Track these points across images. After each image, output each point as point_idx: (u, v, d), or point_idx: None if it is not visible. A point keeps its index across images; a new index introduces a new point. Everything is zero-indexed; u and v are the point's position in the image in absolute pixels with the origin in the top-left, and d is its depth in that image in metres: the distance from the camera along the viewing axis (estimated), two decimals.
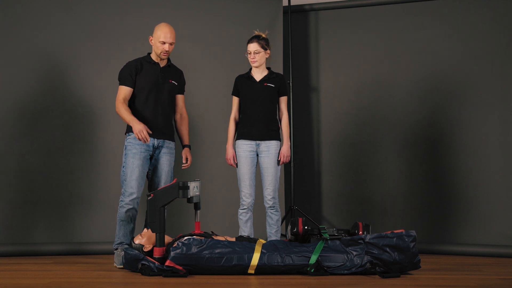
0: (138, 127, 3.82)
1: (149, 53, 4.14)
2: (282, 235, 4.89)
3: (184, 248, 3.52)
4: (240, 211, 4.12)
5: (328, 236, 3.62)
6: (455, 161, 4.52)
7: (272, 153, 4.11)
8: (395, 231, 3.58)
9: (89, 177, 4.82)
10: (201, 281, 3.35)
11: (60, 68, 4.92)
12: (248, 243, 3.62)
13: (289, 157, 4.16)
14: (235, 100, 4.23)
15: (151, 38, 4.07)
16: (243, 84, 4.22)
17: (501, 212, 4.75)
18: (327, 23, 5.37)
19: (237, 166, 4.15)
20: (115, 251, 3.92)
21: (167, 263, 3.50)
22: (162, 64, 4.11)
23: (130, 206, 3.91)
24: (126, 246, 3.85)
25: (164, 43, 4.01)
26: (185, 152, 4.21)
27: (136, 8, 5.06)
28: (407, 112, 5.09)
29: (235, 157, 4.16)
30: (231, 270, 3.52)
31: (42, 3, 4.92)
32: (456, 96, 4.96)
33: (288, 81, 5.14)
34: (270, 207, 4.11)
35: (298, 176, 5.19)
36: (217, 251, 3.52)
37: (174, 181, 3.68)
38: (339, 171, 5.26)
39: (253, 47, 4.21)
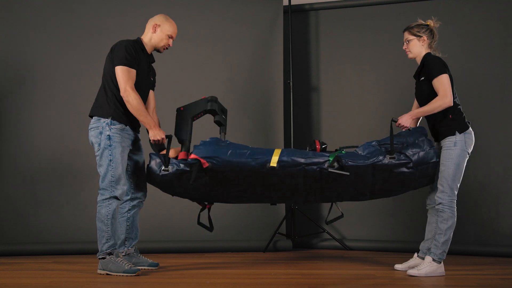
0: (161, 134, 3.65)
1: (139, 38, 3.80)
2: (282, 234, 4.89)
3: (207, 143, 3.67)
4: None
5: (344, 151, 3.66)
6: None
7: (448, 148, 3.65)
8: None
9: (89, 177, 4.82)
10: (201, 281, 3.35)
11: (60, 68, 4.92)
12: (267, 149, 3.71)
13: (402, 125, 3.64)
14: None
15: (156, 25, 3.77)
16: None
17: (501, 212, 4.74)
18: (327, 23, 5.37)
19: None
20: (107, 256, 3.55)
21: (191, 156, 3.60)
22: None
23: (122, 201, 3.66)
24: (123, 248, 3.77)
25: (171, 37, 3.80)
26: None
27: (136, 8, 5.06)
28: (407, 111, 5.07)
29: None
30: (253, 165, 3.57)
31: (42, 3, 4.92)
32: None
33: (288, 81, 5.15)
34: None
35: None
36: (237, 146, 3.67)
37: (203, 97, 3.83)
38: None
39: (405, 36, 3.78)
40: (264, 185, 3.67)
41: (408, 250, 4.52)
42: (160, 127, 3.80)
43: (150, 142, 3.70)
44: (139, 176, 3.79)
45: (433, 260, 3.51)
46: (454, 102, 3.65)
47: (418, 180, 3.65)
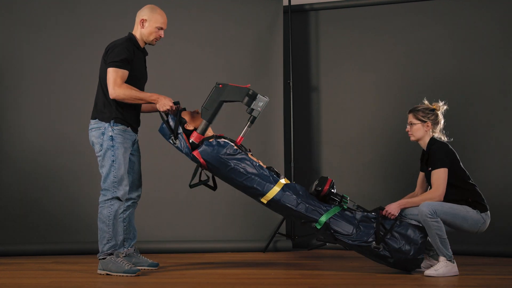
0: (168, 102, 3.53)
1: (131, 33, 3.72)
2: (282, 234, 4.89)
3: (216, 147, 3.59)
4: None
5: (346, 206, 3.64)
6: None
7: None
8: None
9: (89, 177, 4.82)
10: (202, 281, 3.35)
11: (60, 68, 4.91)
12: (275, 175, 3.66)
13: (391, 214, 3.63)
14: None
15: (143, 20, 3.66)
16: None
17: (501, 212, 4.74)
18: (327, 23, 5.36)
19: None
20: (108, 257, 3.54)
21: (195, 152, 3.58)
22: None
23: (124, 202, 3.63)
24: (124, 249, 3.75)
25: (161, 29, 3.69)
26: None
27: (136, 8, 5.04)
28: (407, 111, 5.07)
29: None
30: (247, 191, 3.59)
31: (42, 3, 4.92)
32: (456, 96, 4.95)
33: (288, 81, 5.14)
34: None
35: (298, 176, 5.18)
36: (243, 165, 3.59)
37: (248, 86, 3.64)
38: (339, 171, 5.25)
39: (409, 118, 3.80)
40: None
41: None
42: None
43: (161, 113, 3.63)
44: (134, 177, 3.77)
45: (447, 259, 3.51)
46: (470, 184, 3.69)
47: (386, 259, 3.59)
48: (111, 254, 3.55)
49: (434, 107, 3.76)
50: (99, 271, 3.57)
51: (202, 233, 4.79)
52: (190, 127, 3.70)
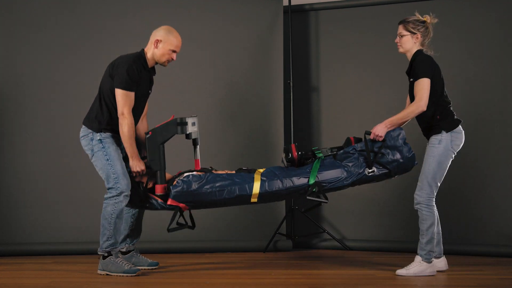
0: (141, 166, 3.59)
1: (143, 51, 3.72)
2: (282, 234, 4.89)
3: (185, 186, 3.55)
4: None
5: (322, 156, 3.67)
6: (454, 161, 4.49)
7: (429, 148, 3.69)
8: None
9: (89, 177, 4.81)
10: (202, 281, 3.35)
11: (59, 68, 4.91)
12: (246, 173, 3.65)
13: (379, 136, 3.59)
14: None
15: (158, 40, 3.66)
16: None
17: (501, 212, 4.74)
18: (327, 23, 5.36)
19: None
20: (107, 258, 3.55)
21: (169, 202, 3.54)
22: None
23: (129, 194, 3.62)
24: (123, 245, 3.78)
25: (174, 52, 3.69)
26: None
27: (136, 8, 5.06)
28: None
29: None
30: (234, 201, 3.58)
31: (42, 3, 4.92)
32: (456, 96, 4.95)
33: (288, 81, 5.14)
34: None
35: None
36: (217, 184, 3.56)
37: (172, 117, 3.62)
38: None
39: (399, 29, 3.74)
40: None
41: (409, 250, 4.51)
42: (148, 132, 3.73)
43: (129, 172, 3.64)
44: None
45: (422, 260, 3.51)
46: (443, 101, 3.65)
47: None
48: (109, 253, 3.55)
49: (425, 19, 3.73)
50: (99, 271, 3.57)
51: (202, 233, 4.78)
52: (150, 184, 3.68)
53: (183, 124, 3.60)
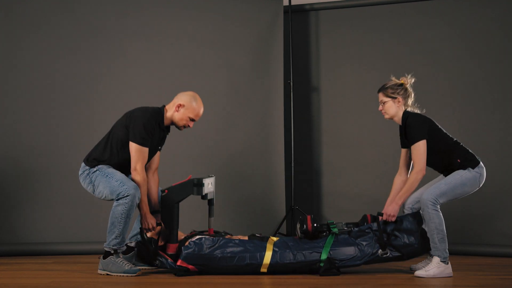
0: (153, 223, 3.63)
1: (164, 108, 3.74)
2: (282, 234, 4.89)
3: (196, 248, 3.52)
4: None
5: (337, 230, 3.63)
6: None
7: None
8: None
9: None
10: (202, 281, 3.35)
11: (59, 68, 4.91)
12: (259, 241, 3.62)
13: (391, 216, 3.62)
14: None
15: (180, 105, 3.68)
16: None
17: (501, 212, 4.74)
18: (328, 23, 5.36)
19: None
20: (108, 257, 3.57)
21: (179, 262, 3.51)
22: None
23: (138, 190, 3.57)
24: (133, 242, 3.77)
25: (193, 120, 3.73)
26: (158, 219, 3.75)
27: (136, 8, 5.05)
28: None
29: None
30: (244, 269, 3.53)
31: (42, 3, 4.91)
32: (456, 96, 4.96)
33: (288, 81, 5.14)
34: None
35: (298, 176, 5.18)
36: (228, 250, 3.53)
37: (189, 177, 3.62)
38: (339, 171, 5.26)
39: (379, 97, 3.78)
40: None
41: None
42: (158, 188, 3.82)
43: (141, 228, 3.65)
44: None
45: (441, 261, 3.50)
46: (454, 144, 3.65)
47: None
48: (115, 251, 3.55)
49: (402, 81, 3.75)
50: (99, 271, 3.58)
51: None
52: (161, 242, 3.66)
53: (200, 185, 3.58)
